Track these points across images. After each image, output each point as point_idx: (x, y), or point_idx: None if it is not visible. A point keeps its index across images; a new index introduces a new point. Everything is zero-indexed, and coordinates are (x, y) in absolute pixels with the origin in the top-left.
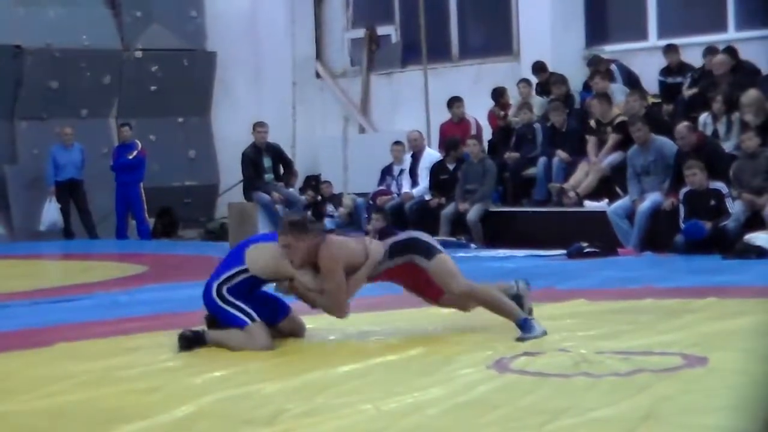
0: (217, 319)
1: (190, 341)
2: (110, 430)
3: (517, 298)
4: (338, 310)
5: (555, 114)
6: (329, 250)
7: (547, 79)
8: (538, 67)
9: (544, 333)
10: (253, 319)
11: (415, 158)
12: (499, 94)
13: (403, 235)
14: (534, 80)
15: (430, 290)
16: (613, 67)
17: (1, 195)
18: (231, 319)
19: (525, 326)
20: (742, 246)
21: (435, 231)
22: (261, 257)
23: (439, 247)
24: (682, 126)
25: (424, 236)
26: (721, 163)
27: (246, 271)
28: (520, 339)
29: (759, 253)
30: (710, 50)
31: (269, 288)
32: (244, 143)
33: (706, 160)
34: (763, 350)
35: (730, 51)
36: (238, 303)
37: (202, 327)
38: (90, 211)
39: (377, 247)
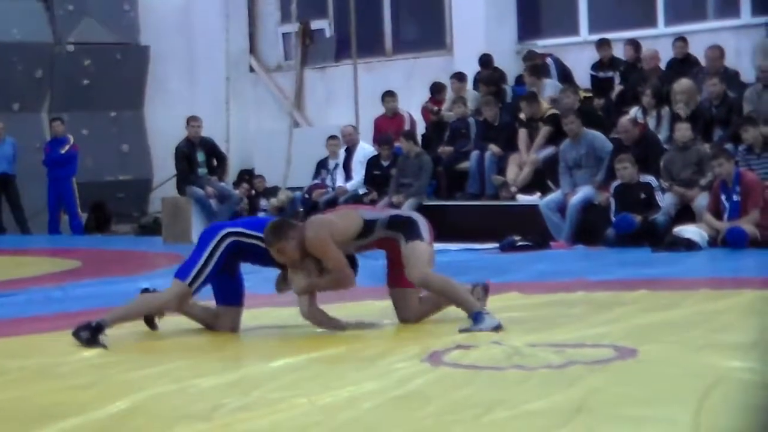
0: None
1: (91, 333)
2: (44, 427)
3: None
4: (345, 282)
5: (487, 108)
6: (313, 231)
7: (489, 74)
8: (485, 61)
9: (498, 327)
10: (189, 283)
11: (349, 152)
12: (437, 90)
13: (406, 213)
14: (471, 73)
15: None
16: (549, 60)
17: None
18: (190, 263)
19: (477, 318)
20: (672, 239)
21: None
22: None
23: (426, 237)
24: (626, 120)
25: (421, 221)
26: (659, 156)
27: (262, 240)
28: (463, 330)
29: (688, 245)
30: (631, 43)
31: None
32: (177, 137)
33: (644, 152)
34: (694, 341)
35: (684, 41)
36: (212, 265)
37: (95, 320)
38: (22, 206)
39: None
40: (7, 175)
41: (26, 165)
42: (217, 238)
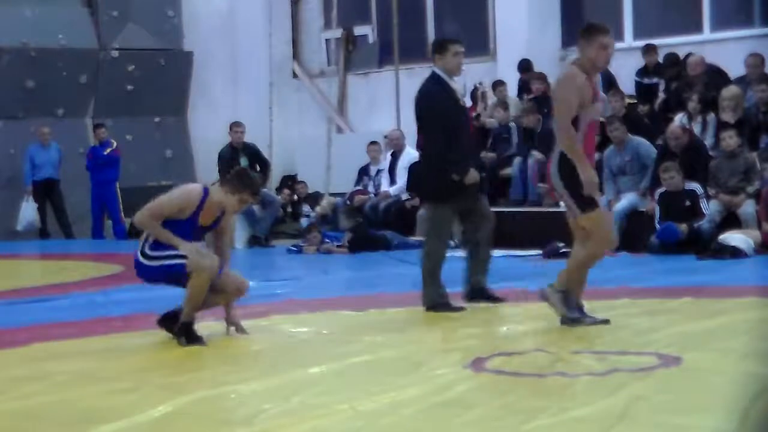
0: (160, 279)
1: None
2: (87, 431)
3: None
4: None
5: (529, 114)
6: None
7: (529, 78)
8: (524, 66)
9: None
10: (185, 257)
11: (395, 157)
12: (475, 95)
13: None
14: (513, 79)
15: None
16: None
17: None
18: (169, 268)
19: None
20: (717, 246)
21: (411, 231)
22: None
23: None
24: (676, 126)
25: None
26: (704, 163)
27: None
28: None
29: (733, 253)
30: (670, 57)
31: None
32: (220, 143)
33: (690, 159)
34: (739, 349)
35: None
36: (164, 252)
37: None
38: (66, 210)
39: None
40: (52, 180)
41: (70, 170)
42: (142, 259)
